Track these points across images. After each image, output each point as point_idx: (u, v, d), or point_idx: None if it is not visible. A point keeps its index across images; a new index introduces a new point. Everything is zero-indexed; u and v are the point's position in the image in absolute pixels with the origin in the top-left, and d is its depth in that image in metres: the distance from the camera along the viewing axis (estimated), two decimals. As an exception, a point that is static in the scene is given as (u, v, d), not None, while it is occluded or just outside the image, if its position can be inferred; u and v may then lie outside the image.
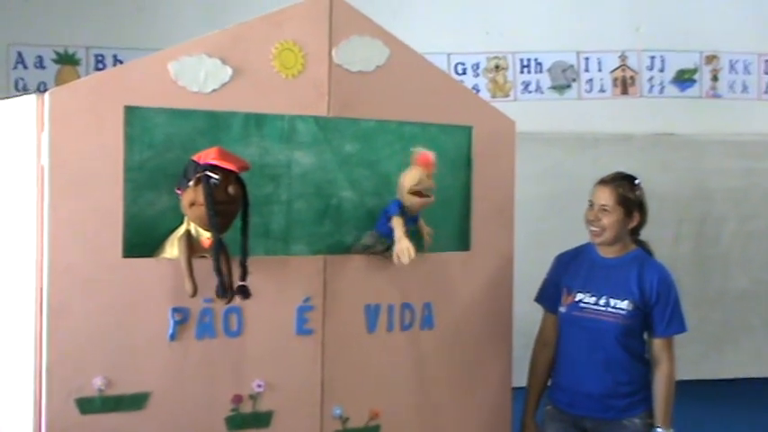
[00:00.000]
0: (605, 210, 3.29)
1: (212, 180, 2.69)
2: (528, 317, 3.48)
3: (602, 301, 3.29)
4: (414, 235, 3.15)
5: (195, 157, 2.75)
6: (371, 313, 3.14)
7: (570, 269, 3.42)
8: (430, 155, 3.06)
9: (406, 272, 3.18)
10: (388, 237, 3.09)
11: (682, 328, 3.35)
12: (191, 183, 2.72)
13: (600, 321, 3.28)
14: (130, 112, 2.76)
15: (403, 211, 3.08)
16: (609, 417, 3.31)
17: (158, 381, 2.81)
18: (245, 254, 2.80)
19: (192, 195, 2.73)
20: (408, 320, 3.21)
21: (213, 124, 2.91)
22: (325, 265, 3.05)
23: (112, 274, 2.73)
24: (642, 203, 3.36)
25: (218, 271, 2.71)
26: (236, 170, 2.76)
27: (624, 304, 3.27)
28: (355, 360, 3.12)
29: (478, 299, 3.37)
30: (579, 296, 3.33)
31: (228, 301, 2.79)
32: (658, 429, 3.28)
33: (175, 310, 2.81)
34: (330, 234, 3.14)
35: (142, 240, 2.82)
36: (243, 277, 2.79)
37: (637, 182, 3.37)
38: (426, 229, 3.20)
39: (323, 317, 3.04)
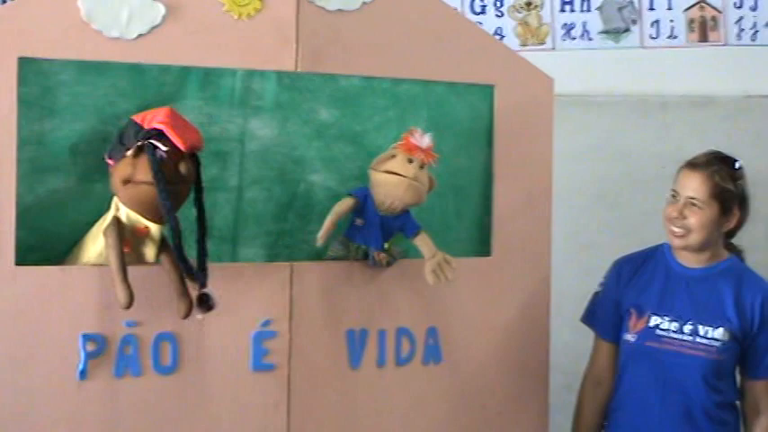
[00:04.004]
0: (694, 204, 3.30)
1: (159, 151, 2.72)
2: (571, 346, 3.52)
3: (687, 328, 3.33)
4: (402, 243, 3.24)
5: (138, 118, 2.79)
6: (355, 342, 3.19)
7: (637, 282, 3.45)
8: (422, 139, 3.08)
9: (403, 286, 3.24)
10: (364, 241, 3.15)
11: None
12: (128, 152, 2.75)
13: (684, 356, 3.31)
14: (26, 65, 2.79)
15: (367, 197, 3.13)
16: None
17: (65, 434, 2.85)
18: (203, 253, 2.86)
19: (128, 169, 2.75)
20: (406, 352, 3.26)
21: (139, 82, 2.95)
22: (291, 276, 3.09)
23: (1, 289, 2.75)
24: (744, 197, 3.38)
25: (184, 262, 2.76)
26: (185, 148, 2.78)
27: (718, 333, 3.31)
28: (333, 405, 3.16)
29: (503, 322, 3.42)
30: (655, 320, 3.36)
31: (186, 315, 2.82)
32: None
33: (87, 337, 2.83)
34: (296, 233, 3.18)
35: (42, 242, 2.86)
36: (203, 282, 2.84)
37: (738, 166, 3.39)
38: (437, 257, 3.13)
39: (289, 347, 3.09)
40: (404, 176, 3.05)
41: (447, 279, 3.10)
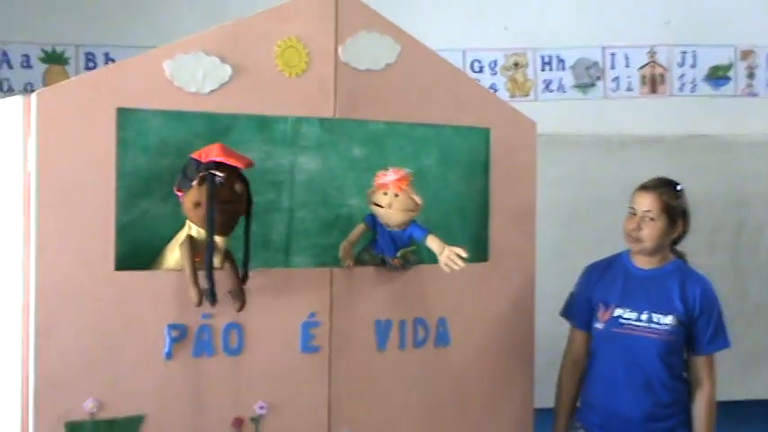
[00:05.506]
0: (649, 217, 3.29)
1: (217, 178, 2.72)
2: (551, 333, 3.49)
3: (643, 317, 3.30)
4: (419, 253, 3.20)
5: (196, 155, 2.78)
6: (382, 329, 3.15)
7: (603, 282, 3.43)
8: (385, 176, 3.04)
9: (419, 285, 3.20)
10: (381, 251, 3.13)
11: (725, 343, 3.37)
12: (194, 182, 2.74)
13: (641, 338, 3.29)
14: (123, 114, 2.77)
15: (374, 219, 3.11)
16: None
17: (153, 403, 2.81)
18: (247, 255, 2.84)
19: (196, 195, 2.74)
20: (422, 337, 3.22)
21: (212, 127, 2.93)
22: (332, 279, 3.06)
23: (104, 289, 2.74)
24: (686, 211, 3.37)
25: (209, 274, 2.72)
26: (243, 167, 2.79)
27: (668, 320, 3.28)
28: (365, 379, 3.12)
29: (498, 313, 3.37)
30: (618, 311, 3.33)
31: (240, 308, 2.82)
32: None
33: (172, 326, 2.81)
34: (337, 246, 3.13)
35: (136, 251, 2.84)
36: (243, 280, 2.84)
37: (680, 188, 3.38)
38: (446, 252, 3.03)
39: (330, 333, 3.05)
40: (382, 207, 3.03)
41: (459, 267, 3.02)
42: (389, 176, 3.03)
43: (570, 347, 3.51)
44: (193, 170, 2.75)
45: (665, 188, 3.34)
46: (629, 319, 3.31)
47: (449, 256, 3.02)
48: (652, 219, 3.29)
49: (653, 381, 3.29)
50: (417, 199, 3.06)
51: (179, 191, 2.81)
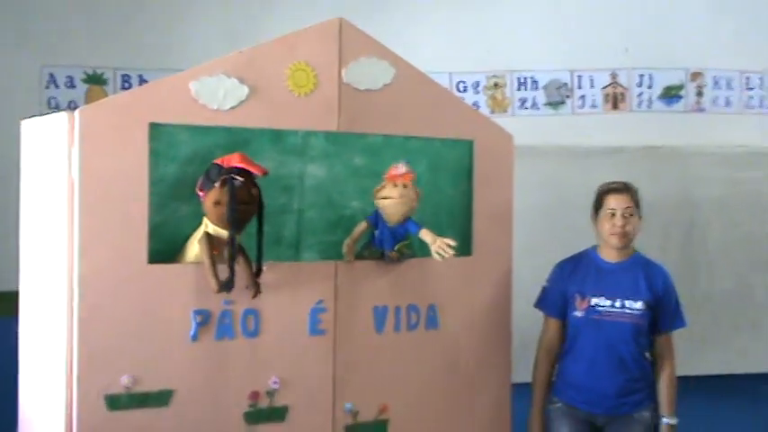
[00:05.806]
0: (629, 214, 3.32)
1: (237, 181, 2.72)
2: (524, 317, 3.48)
3: (617, 304, 3.31)
4: (412, 245, 3.18)
5: (219, 161, 2.78)
6: (380, 314, 3.14)
7: (576, 276, 3.41)
8: (398, 169, 3.05)
9: (412, 276, 3.20)
10: (381, 246, 3.12)
11: (683, 322, 3.42)
12: (216, 184, 2.74)
13: (617, 322, 3.30)
14: (155, 128, 2.77)
15: (377, 217, 3.10)
16: (622, 412, 3.34)
17: (181, 379, 2.81)
18: (260, 252, 2.83)
19: (217, 195, 2.74)
20: (414, 321, 3.21)
21: (232, 139, 2.92)
22: (336, 271, 3.05)
23: (138, 280, 2.74)
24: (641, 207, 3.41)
25: (231, 265, 2.72)
26: (260, 174, 2.79)
27: (638, 305, 3.30)
28: (365, 358, 3.12)
29: (480, 300, 3.37)
30: (594, 301, 3.33)
31: (254, 296, 2.82)
32: (665, 419, 3.34)
33: (197, 312, 2.81)
34: (341, 242, 3.12)
35: (166, 247, 2.83)
36: (257, 274, 2.83)
37: (635, 188, 3.41)
38: (438, 242, 3.01)
39: (335, 318, 3.04)
40: (393, 198, 3.02)
41: (449, 254, 3.00)
42: (401, 169, 3.04)
43: (545, 335, 3.49)
44: (216, 173, 2.75)
45: (631, 188, 3.38)
46: (604, 306, 3.31)
47: (440, 245, 3.01)
48: (632, 215, 3.32)
49: (626, 358, 3.30)
50: (418, 191, 3.09)
51: (201, 191, 2.80)
